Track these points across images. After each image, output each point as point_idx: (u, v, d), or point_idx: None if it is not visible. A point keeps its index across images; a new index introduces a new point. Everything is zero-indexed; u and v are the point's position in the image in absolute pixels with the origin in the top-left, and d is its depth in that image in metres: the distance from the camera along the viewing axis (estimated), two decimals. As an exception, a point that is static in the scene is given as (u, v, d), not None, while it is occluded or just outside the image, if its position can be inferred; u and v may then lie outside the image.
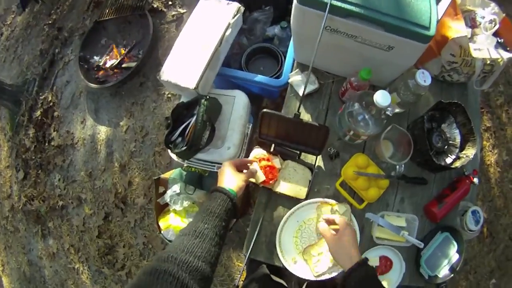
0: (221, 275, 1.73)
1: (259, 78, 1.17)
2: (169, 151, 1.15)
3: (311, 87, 1.05)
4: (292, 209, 0.98)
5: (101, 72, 2.13)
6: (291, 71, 1.13)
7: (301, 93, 1.05)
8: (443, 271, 1.02)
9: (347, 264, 0.75)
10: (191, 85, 1.10)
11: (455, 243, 1.03)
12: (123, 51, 2.12)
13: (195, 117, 1.08)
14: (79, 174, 2.09)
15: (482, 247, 1.98)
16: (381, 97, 0.83)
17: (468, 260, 1.95)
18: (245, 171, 0.90)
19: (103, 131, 2.09)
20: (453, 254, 1.03)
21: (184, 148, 1.06)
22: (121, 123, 2.05)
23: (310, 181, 0.99)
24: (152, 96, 2.03)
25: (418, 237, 1.01)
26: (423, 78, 0.91)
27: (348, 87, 0.99)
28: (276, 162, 0.99)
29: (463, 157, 1.03)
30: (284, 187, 0.98)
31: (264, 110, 0.94)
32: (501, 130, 2.22)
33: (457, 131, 1.08)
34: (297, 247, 0.98)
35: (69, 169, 2.15)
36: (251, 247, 0.98)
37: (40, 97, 2.31)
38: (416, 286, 1.05)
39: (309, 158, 1.04)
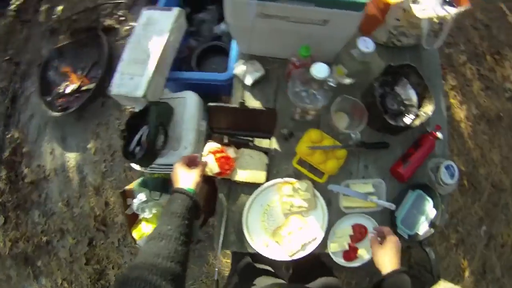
0: (212, 276, 1.71)
1: (205, 75, 1.18)
2: (129, 161, 1.14)
3: (256, 75, 1.06)
4: (253, 194, 0.98)
5: (62, 99, 2.10)
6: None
7: (247, 82, 1.06)
8: (423, 228, 1.03)
9: (386, 268, 0.77)
10: (140, 93, 1.10)
11: (429, 198, 1.04)
12: (81, 75, 2.10)
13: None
14: (57, 205, 2.06)
15: (466, 199, 2.03)
16: (317, 70, 0.83)
17: (454, 213, 2.00)
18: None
19: (72, 157, 2.07)
20: (430, 210, 1.04)
21: (141, 156, 1.06)
22: (89, 146, 2.03)
23: (267, 164, 0.99)
24: (115, 114, 2.02)
25: (389, 200, 1.02)
26: (365, 45, 0.92)
27: (291, 67, 1.00)
28: (231, 152, 0.99)
29: (422, 115, 1.04)
30: (242, 175, 0.98)
31: (209, 104, 0.95)
32: (467, 87, 2.29)
33: (412, 91, 1.09)
34: (266, 230, 0.99)
35: (47, 203, 2.10)
36: (221, 240, 0.98)
37: (7, 136, 2.27)
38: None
39: (265, 143, 1.04)
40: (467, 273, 1.92)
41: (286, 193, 0.98)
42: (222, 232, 0.98)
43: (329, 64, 0.90)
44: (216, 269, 0.94)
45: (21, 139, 2.23)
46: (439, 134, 1.06)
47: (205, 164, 0.87)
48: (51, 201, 2.09)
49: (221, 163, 0.96)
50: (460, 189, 2.03)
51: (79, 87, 2.07)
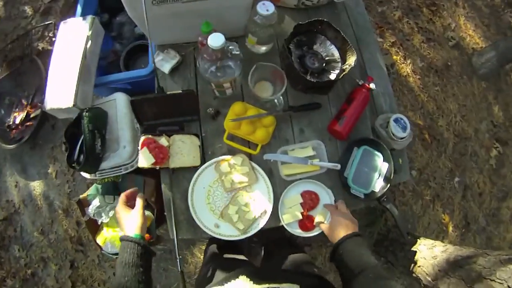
0: (194, 274, 1.75)
1: (127, 74, 1.20)
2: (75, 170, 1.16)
3: (172, 62, 1.08)
4: (193, 178, 1.00)
5: (14, 131, 2.08)
6: (155, 56, 1.16)
7: (165, 70, 1.08)
8: (378, 184, 1.01)
9: (340, 234, 0.79)
10: (70, 103, 1.12)
11: (377, 153, 1.03)
12: (26, 103, 2.07)
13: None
14: (33, 235, 2.05)
15: (431, 153, 2.03)
16: (212, 39, 0.81)
17: (422, 169, 1.99)
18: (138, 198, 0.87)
19: (37, 185, 2.06)
20: (382, 164, 1.02)
21: (83, 161, 1.08)
22: (49, 171, 2.03)
23: (199, 146, 1.02)
24: (67, 134, 2.01)
25: (335, 161, 1.00)
26: (265, 8, 0.91)
27: (200, 47, 1.01)
28: (163, 141, 1.01)
29: (347, 67, 1.02)
30: (178, 161, 1.00)
31: (131, 99, 0.97)
32: (407, 41, 2.29)
33: (332, 46, 1.08)
34: (214, 212, 1.00)
35: (23, 235, 2.09)
36: (174, 229, 0.99)
37: (-32, 179, 2.22)
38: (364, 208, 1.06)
39: (195, 128, 1.06)
40: (450, 228, 1.92)
41: (224, 171, 0.99)
42: (173, 221, 1.00)
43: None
44: (177, 259, 0.95)
45: (-17, 179, 2.20)
46: (371, 85, 1.04)
47: (143, 197, 0.86)
48: (27, 233, 2.08)
49: (155, 153, 0.99)
50: (422, 144, 2.03)
51: (27, 115, 2.05)
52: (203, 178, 1.01)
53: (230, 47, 0.88)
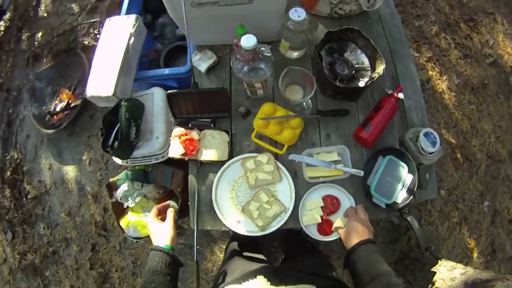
0: (211, 271, 1.79)
1: (166, 70, 1.27)
2: (108, 155, 1.24)
3: (209, 62, 1.14)
4: (219, 172, 1.03)
5: (54, 118, 2.23)
6: (193, 56, 1.22)
7: (201, 69, 1.15)
8: (401, 195, 0.99)
9: (352, 242, 0.79)
10: (110, 92, 1.20)
11: (402, 163, 1.01)
12: (68, 92, 2.22)
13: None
14: (60, 216, 2.17)
15: (463, 173, 1.95)
16: (245, 41, 0.85)
17: (452, 190, 1.92)
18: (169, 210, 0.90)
19: (70, 170, 2.18)
20: (406, 176, 1.00)
21: (118, 146, 1.15)
22: (84, 158, 2.15)
23: (228, 142, 1.06)
24: (103, 124, 2.13)
25: (358, 168, 0.99)
26: (297, 14, 0.94)
27: (235, 48, 1.05)
28: (194, 134, 1.07)
29: (375, 75, 1.02)
30: (206, 155, 1.05)
31: (168, 92, 1.03)
32: (444, 57, 2.24)
33: (362, 55, 1.09)
34: (236, 206, 1.02)
35: (50, 215, 2.22)
36: (195, 219, 1.03)
37: (7, 158, 2.40)
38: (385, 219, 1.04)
39: (225, 124, 1.11)
40: (475, 254, 1.83)
41: (250, 168, 1.03)
42: (195, 211, 1.03)
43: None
44: (195, 249, 0.98)
45: (20, 158, 2.36)
46: (400, 95, 1.04)
47: (175, 210, 0.91)
48: (54, 213, 2.20)
49: (186, 144, 1.04)
50: (454, 163, 1.96)
51: (68, 104, 2.19)
52: (229, 173, 1.05)
53: (262, 49, 0.91)
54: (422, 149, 1.03)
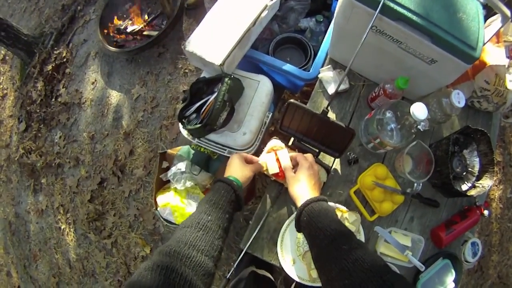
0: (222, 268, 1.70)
1: (288, 67, 1.11)
2: (180, 126, 1.10)
3: (341, 87, 1.00)
4: None
5: (120, 36, 2.07)
6: (322, 66, 1.08)
7: (330, 91, 1.01)
8: None
9: (303, 199, 0.71)
10: (217, 61, 1.05)
11: (453, 271, 1.01)
12: (146, 18, 2.05)
13: (215, 95, 1.03)
14: (81, 134, 2.05)
15: (470, 280, 1.94)
16: (419, 110, 0.79)
17: None
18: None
19: (113, 95, 2.04)
20: (449, 283, 1.01)
21: (199, 125, 1.01)
22: (133, 91, 2.00)
23: (324, 183, 0.94)
24: (168, 68, 1.97)
25: (420, 260, 0.98)
26: (458, 99, 0.88)
27: (380, 93, 0.94)
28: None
29: (479, 186, 1.00)
30: (296, 184, 0.93)
31: (291, 100, 0.89)
32: (510, 167, 2.19)
33: (477, 159, 1.05)
34: (298, 249, 0.94)
35: (72, 128, 2.10)
36: (250, 241, 0.93)
37: (55, 52, 2.26)
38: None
39: (327, 159, 0.99)
40: None
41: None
42: (254, 234, 0.94)
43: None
44: (233, 267, 0.91)
45: (68, 59, 2.22)
46: (486, 212, 1.02)
47: (262, 166, 0.86)
48: (77, 128, 2.08)
49: (280, 165, 0.91)
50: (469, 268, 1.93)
51: (140, 30, 2.03)
52: (308, 214, 0.94)
53: (422, 123, 0.82)
54: (464, 256, 1.04)
